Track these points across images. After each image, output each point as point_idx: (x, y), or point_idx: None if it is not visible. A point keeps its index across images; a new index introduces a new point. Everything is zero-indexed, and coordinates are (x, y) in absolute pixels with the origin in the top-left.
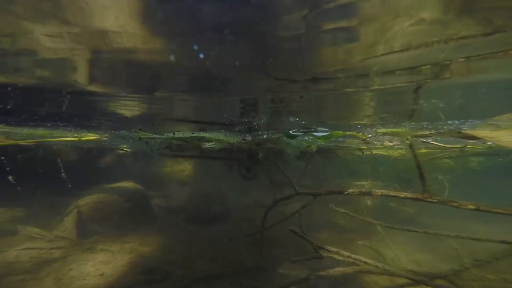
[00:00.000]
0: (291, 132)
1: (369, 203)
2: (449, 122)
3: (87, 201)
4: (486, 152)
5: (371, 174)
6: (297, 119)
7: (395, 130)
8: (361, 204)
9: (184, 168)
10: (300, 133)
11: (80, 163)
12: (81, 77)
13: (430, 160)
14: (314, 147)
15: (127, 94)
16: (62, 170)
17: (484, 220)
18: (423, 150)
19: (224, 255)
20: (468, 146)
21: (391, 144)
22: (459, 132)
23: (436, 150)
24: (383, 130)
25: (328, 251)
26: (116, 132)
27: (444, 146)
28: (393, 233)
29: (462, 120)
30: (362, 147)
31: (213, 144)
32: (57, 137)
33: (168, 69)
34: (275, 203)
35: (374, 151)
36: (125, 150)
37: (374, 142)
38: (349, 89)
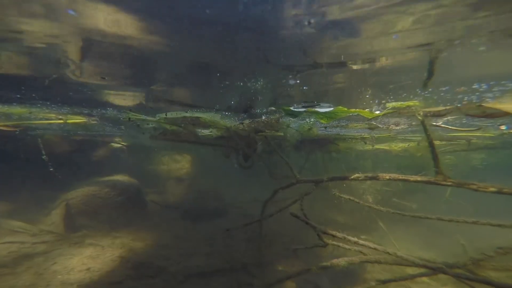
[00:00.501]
0: (291, 108)
1: (370, 200)
2: (475, 86)
3: (77, 194)
4: (495, 144)
5: (372, 171)
6: (298, 81)
7: (405, 104)
8: (363, 201)
9: (181, 166)
10: (302, 109)
11: (72, 155)
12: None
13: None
14: (315, 130)
15: (121, 85)
16: (52, 162)
17: (489, 217)
18: (425, 143)
19: (221, 251)
20: (480, 129)
21: (398, 128)
22: (480, 106)
23: (442, 142)
24: (393, 104)
25: (333, 236)
26: (103, 111)
27: (456, 130)
28: (395, 230)
29: (492, 83)
30: (365, 136)
31: (209, 131)
32: (37, 116)
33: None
34: (274, 193)
35: (376, 146)
36: (120, 144)
37: (379, 126)
38: (355, 66)
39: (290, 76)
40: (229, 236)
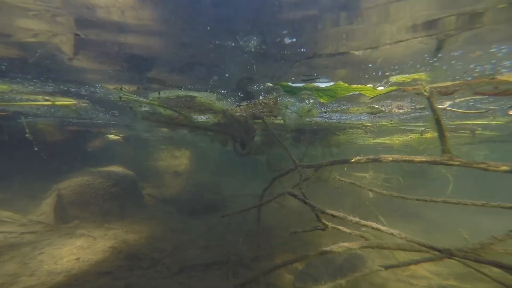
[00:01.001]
0: (290, 83)
1: (371, 195)
2: (493, 49)
3: (69, 183)
4: (501, 136)
5: (373, 167)
6: (294, 39)
7: (411, 76)
8: (363, 197)
9: (180, 162)
10: (301, 84)
11: (66, 146)
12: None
13: (435, 148)
14: (315, 112)
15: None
16: (45, 152)
17: (491, 215)
18: (428, 135)
19: (218, 245)
20: (488, 112)
21: (401, 111)
22: (492, 80)
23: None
24: (397, 77)
25: (333, 216)
26: (93, 90)
27: (463, 112)
28: (395, 226)
29: None
30: (366, 124)
31: (206, 118)
32: (22, 97)
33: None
34: (273, 181)
35: (377, 140)
36: (118, 136)
37: (382, 108)
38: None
39: (285, 32)
40: (226, 230)
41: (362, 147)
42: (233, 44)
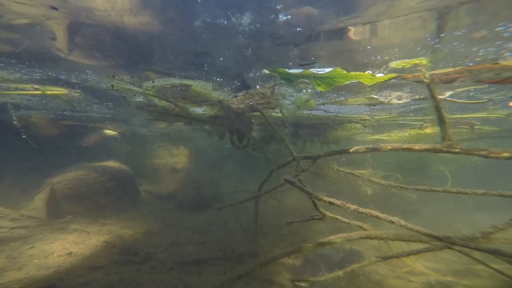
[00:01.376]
0: (287, 70)
1: (369, 192)
2: (499, 28)
3: (63, 178)
4: (500, 132)
5: (371, 164)
6: (289, 16)
7: (411, 61)
8: (362, 195)
9: (178, 159)
10: (298, 70)
11: (60, 141)
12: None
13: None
14: (313, 103)
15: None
16: (39, 146)
17: (489, 212)
18: (428, 130)
19: (216, 241)
20: (489, 102)
21: (400, 102)
22: (495, 64)
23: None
24: (397, 62)
25: (331, 203)
26: (84, 77)
27: (463, 103)
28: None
29: None
30: (364, 117)
31: (203, 111)
32: (10, 86)
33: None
34: (271, 173)
35: (375, 136)
36: (114, 131)
37: (381, 99)
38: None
39: (280, 6)
40: (224, 226)
41: (361, 144)
42: (225, 22)
